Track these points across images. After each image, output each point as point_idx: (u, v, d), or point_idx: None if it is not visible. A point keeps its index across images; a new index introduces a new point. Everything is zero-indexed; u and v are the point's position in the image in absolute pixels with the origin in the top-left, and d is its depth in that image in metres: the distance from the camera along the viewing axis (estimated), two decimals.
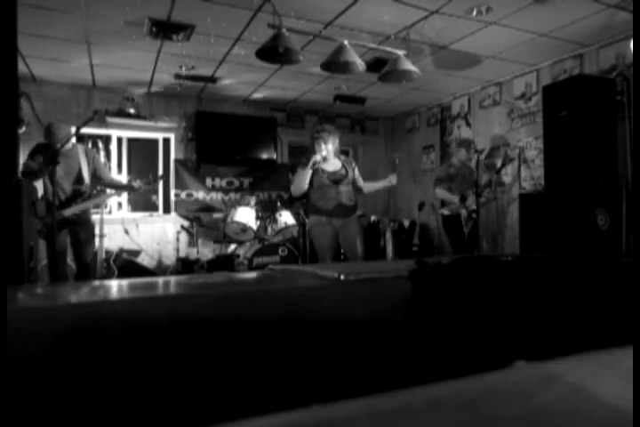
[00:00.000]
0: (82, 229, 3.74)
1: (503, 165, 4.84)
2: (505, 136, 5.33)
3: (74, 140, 3.89)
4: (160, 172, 5.95)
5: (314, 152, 3.51)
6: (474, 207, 4.49)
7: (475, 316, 0.81)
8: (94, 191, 4.00)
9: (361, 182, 3.75)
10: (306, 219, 3.83)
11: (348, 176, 3.60)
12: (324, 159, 3.51)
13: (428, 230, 6.22)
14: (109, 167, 5.55)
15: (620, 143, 4.05)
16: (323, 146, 3.52)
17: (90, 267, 3.82)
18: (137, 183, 3.86)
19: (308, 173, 3.47)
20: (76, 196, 3.71)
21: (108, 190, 4.11)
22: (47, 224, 3.28)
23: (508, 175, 5.32)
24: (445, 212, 4.74)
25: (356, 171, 3.72)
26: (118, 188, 4.03)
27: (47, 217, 3.20)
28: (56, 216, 3.28)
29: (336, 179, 3.56)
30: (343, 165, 3.62)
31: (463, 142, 4.91)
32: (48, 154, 3.29)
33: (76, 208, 3.65)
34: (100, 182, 3.96)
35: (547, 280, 0.93)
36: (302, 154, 6.86)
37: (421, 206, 5.91)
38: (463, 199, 4.59)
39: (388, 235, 5.00)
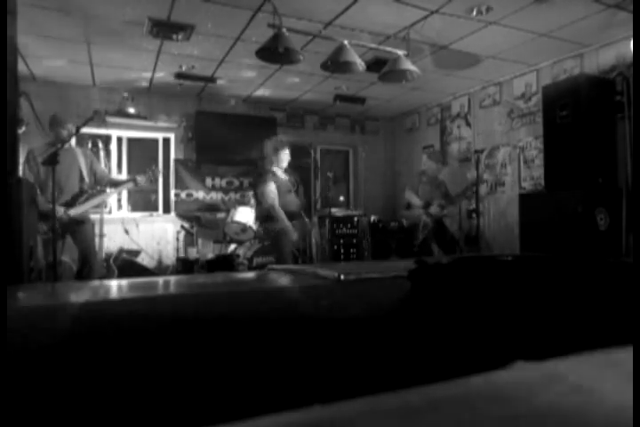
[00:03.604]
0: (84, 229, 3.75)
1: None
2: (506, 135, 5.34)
3: (73, 141, 3.89)
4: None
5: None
6: (440, 215, 4.72)
7: (475, 316, 0.81)
8: (94, 191, 3.98)
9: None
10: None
11: None
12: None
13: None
14: (109, 167, 5.55)
15: (620, 143, 4.05)
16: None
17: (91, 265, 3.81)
18: (140, 177, 3.85)
19: None
20: (79, 195, 3.71)
21: (108, 189, 4.08)
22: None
23: (507, 175, 5.34)
24: (404, 221, 5.06)
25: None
26: (119, 184, 4.01)
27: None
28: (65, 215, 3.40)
29: None
30: None
31: (432, 155, 5.14)
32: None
33: (80, 207, 3.65)
34: (101, 182, 3.95)
35: (547, 280, 0.93)
36: (302, 154, 6.89)
37: (426, 206, 5.93)
38: (427, 206, 4.81)
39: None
